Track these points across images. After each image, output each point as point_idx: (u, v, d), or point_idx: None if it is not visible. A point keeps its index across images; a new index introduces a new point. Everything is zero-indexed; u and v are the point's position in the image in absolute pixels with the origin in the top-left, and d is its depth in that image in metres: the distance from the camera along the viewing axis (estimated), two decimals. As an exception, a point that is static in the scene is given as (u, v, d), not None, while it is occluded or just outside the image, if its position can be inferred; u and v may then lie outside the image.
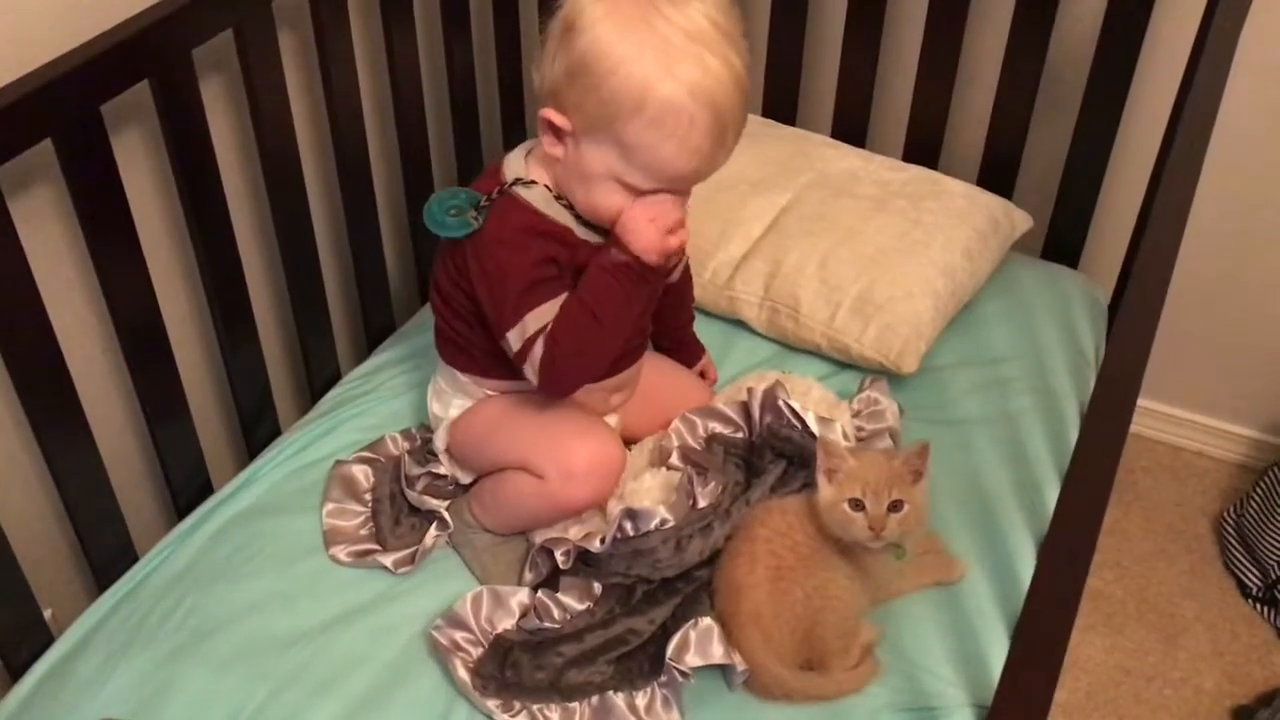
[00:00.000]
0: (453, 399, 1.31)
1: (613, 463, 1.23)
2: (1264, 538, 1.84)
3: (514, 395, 1.28)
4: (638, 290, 1.17)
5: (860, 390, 1.47)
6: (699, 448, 1.33)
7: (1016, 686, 0.72)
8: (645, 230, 1.12)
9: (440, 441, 1.33)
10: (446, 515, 1.30)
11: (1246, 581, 1.87)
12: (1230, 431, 2.06)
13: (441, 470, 1.34)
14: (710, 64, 1.04)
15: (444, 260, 1.22)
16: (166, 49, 1.22)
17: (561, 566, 1.21)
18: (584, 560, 1.23)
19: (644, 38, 1.03)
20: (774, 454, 1.31)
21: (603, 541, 1.20)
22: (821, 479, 1.17)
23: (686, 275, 1.41)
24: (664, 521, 1.20)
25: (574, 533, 1.26)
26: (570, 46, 1.06)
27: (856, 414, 1.42)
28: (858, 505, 1.14)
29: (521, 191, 1.15)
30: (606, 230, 1.16)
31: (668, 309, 1.38)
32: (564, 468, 1.21)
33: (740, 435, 1.35)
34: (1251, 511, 1.88)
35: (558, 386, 1.20)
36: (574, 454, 1.21)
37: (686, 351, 1.46)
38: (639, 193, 1.11)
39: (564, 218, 1.16)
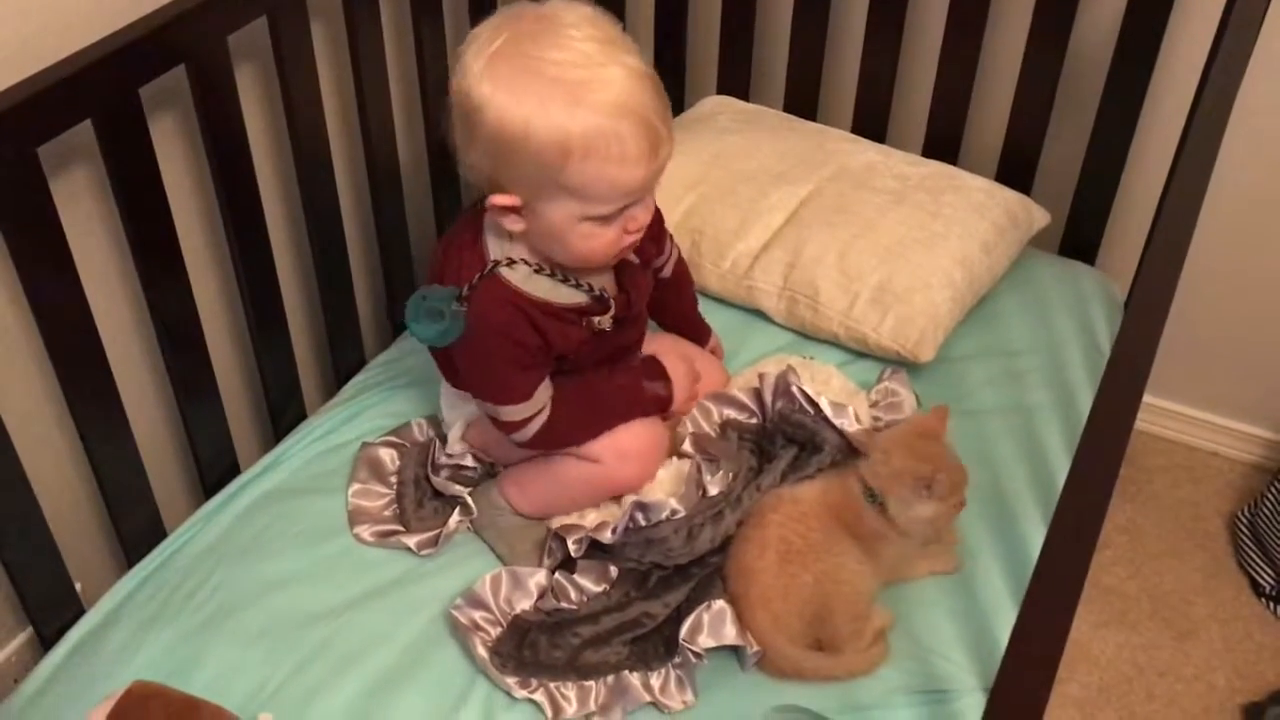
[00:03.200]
0: (467, 406, 1.33)
1: (661, 441, 1.29)
2: (1277, 537, 1.84)
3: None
4: (652, 412, 1.29)
5: (879, 381, 1.48)
6: (713, 434, 1.35)
7: (1018, 667, 0.73)
8: (687, 387, 1.31)
9: (456, 444, 1.35)
10: (470, 501, 1.32)
11: (1259, 580, 1.87)
12: (1245, 432, 2.07)
13: (467, 461, 1.36)
14: (610, 76, 1.03)
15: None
16: (202, 35, 1.25)
17: (574, 554, 1.23)
18: (597, 548, 1.25)
19: (538, 89, 1.03)
20: (785, 439, 1.33)
21: (614, 532, 1.22)
22: (912, 496, 1.18)
23: (680, 266, 1.42)
24: (674, 512, 1.22)
25: (591, 519, 1.28)
26: (479, 131, 1.06)
27: (874, 404, 1.44)
28: (961, 504, 1.20)
29: (504, 272, 1.15)
30: (586, 284, 1.18)
31: (666, 301, 1.40)
32: (617, 449, 1.25)
33: (754, 421, 1.37)
34: (1265, 511, 1.89)
35: (544, 449, 1.27)
36: (624, 436, 1.25)
37: (696, 333, 1.48)
38: (610, 219, 1.10)
39: (544, 291, 1.16)
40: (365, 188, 1.60)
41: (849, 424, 1.29)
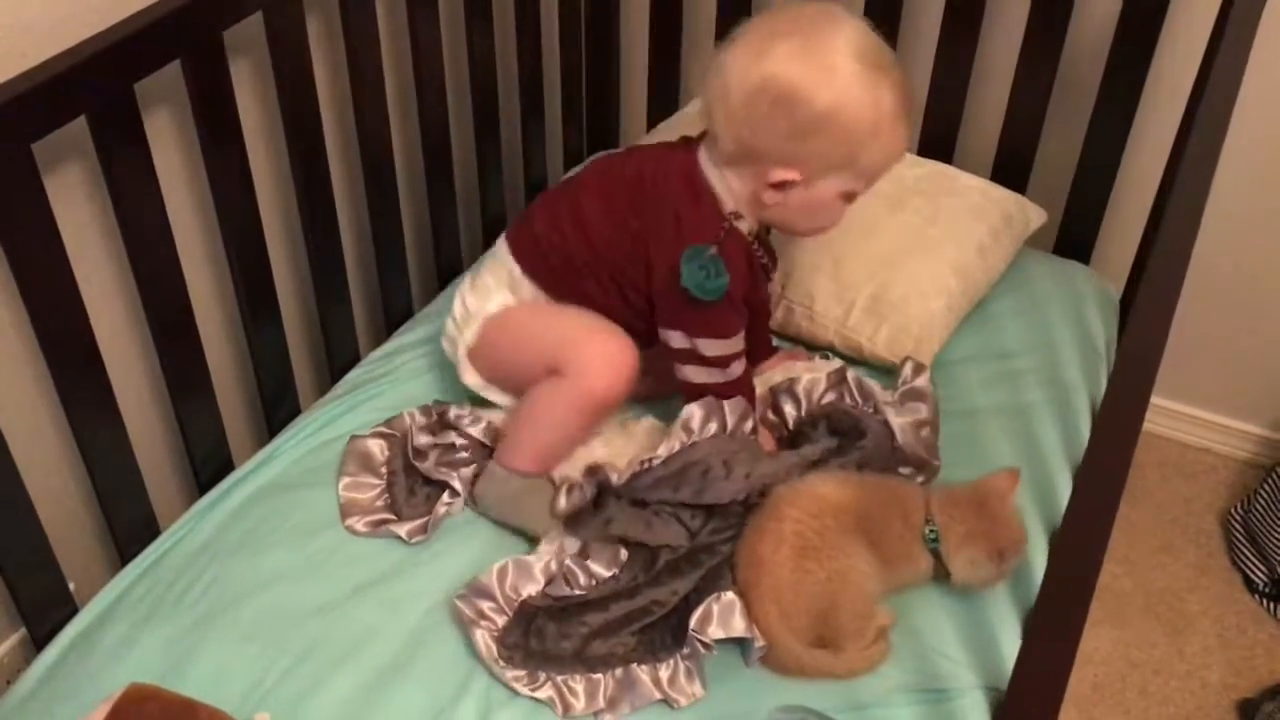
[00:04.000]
0: (493, 294, 1.35)
1: (625, 355, 1.28)
2: (1271, 534, 1.85)
3: (540, 303, 1.33)
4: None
5: (901, 379, 1.47)
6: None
7: (1032, 672, 0.73)
8: None
9: (471, 336, 1.36)
10: (457, 485, 1.32)
11: (1253, 577, 1.88)
12: (1238, 429, 2.07)
13: (451, 439, 1.35)
14: (891, 72, 1.20)
15: (619, 207, 1.28)
16: (197, 29, 1.24)
17: (614, 483, 1.24)
18: (625, 495, 1.25)
19: (848, 70, 1.17)
20: (828, 430, 1.34)
21: (647, 464, 1.24)
22: (985, 560, 1.21)
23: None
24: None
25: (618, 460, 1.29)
26: (789, 112, 1.17)
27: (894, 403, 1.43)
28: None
29: (741, 226, 1.27)
30: (768, 252, 1.35)
31: (757, 323, 1.44)
32: (583, 359, 1.26)
33: (792, 414, 1.40)
34: (1259, 508, 1.89)
35: (692, 396, 1.31)
36: (587, 347, 1.27)
37: (764, 347, 1.51)
38: (855, 198, 1.26)
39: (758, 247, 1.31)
40: (360, 181, 1.59)
41: (900, 423, 1.34)
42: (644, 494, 1.24)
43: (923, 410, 1.40)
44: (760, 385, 1.41)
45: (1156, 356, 0.95)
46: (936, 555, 1.22)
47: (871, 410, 1.37)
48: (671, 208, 1.26)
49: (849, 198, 1.26)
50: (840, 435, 1.33)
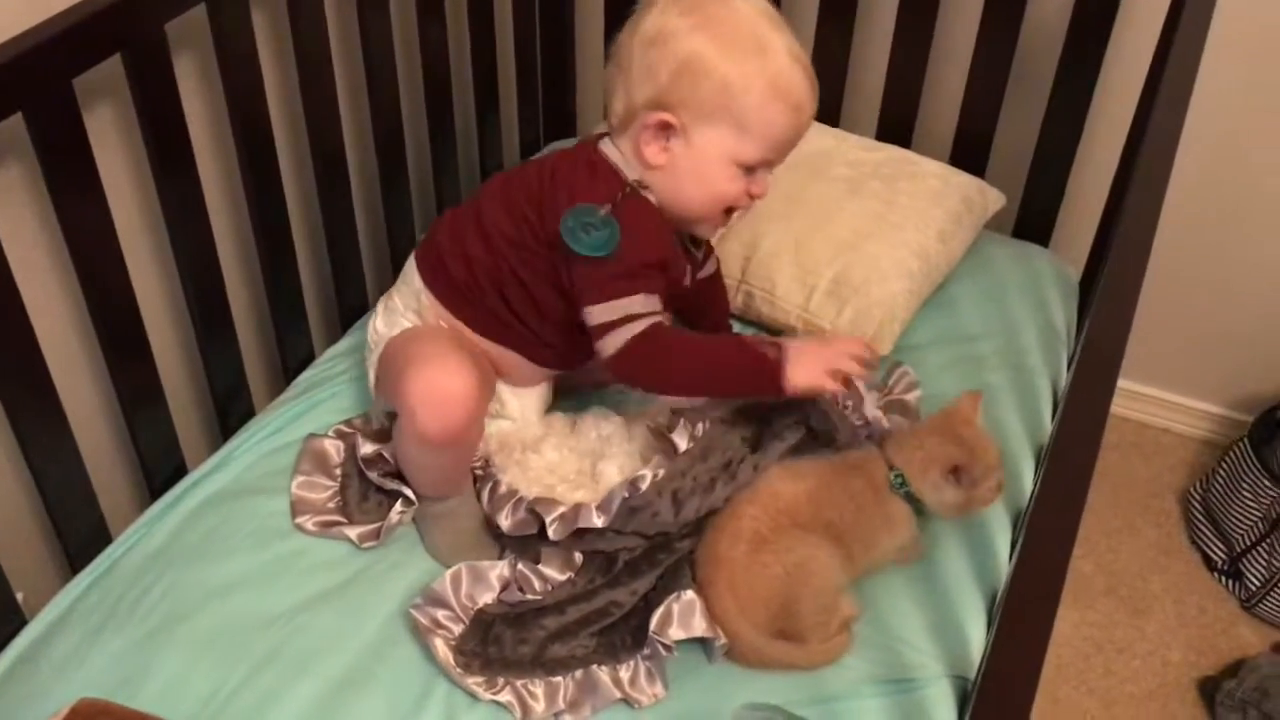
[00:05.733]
0: (399, 318, 1.31)
1: (445, 389, 1.18)
2: (1228, 512, 1.87)
3: (412, 330, 1.29)
4: (748, 385, 1.22)
5: (889, 385, 1.46)
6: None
7: (1005, 657, 0.73)
8: (812, 366, 1.17)
9: (375, 361, 1.33)
10: (409, 493, 1.29)
11: (1212, 555, 1.90)
12: (1196, 408, 2.09)
13: (390, 454, 1.32)
14: (787, 38, 1.18)
15: (519, 206, 1.23)
16: (139, 22, 1.21)
17: (553, 538, 1.20)
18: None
19: (731, 25, 1.15)
20: (796, 421, 1.29)
21: (601, 511, 1.19)
22: (944, 483, 1.19)
23: (718, 273, 1.44)
24: (655, 476, 1.20)
25: (577, 497, 1.25)
26: (660, 52, 1.16)
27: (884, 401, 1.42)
28: (999, 487, 1.21)
29: (646, 195, 1.21)
30: (694, 246, 1.27)
31: (699, 308, 1.40)
32: (404, 399, 1.19)
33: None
34: (1217, 487, 1.91)
35: (626, 373, 1.22)
36: (409, 387, 1.19)
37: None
38: (750, 172, 1.19)
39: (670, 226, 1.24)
40: (311, 176, 1.56)
41: (875, 413, 1.32)
42: (590, 542, 1.22)
43: (910, 403, 1.40)
44: None
45: (1120, 347, 0.95)
46: (913, 499, 1.20)
47: (850, 408, 1.34)
48: (568, 188, 1.20)
49: (745, 167, 1.19)
50: (809, 430, 1.30)
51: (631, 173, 1.21)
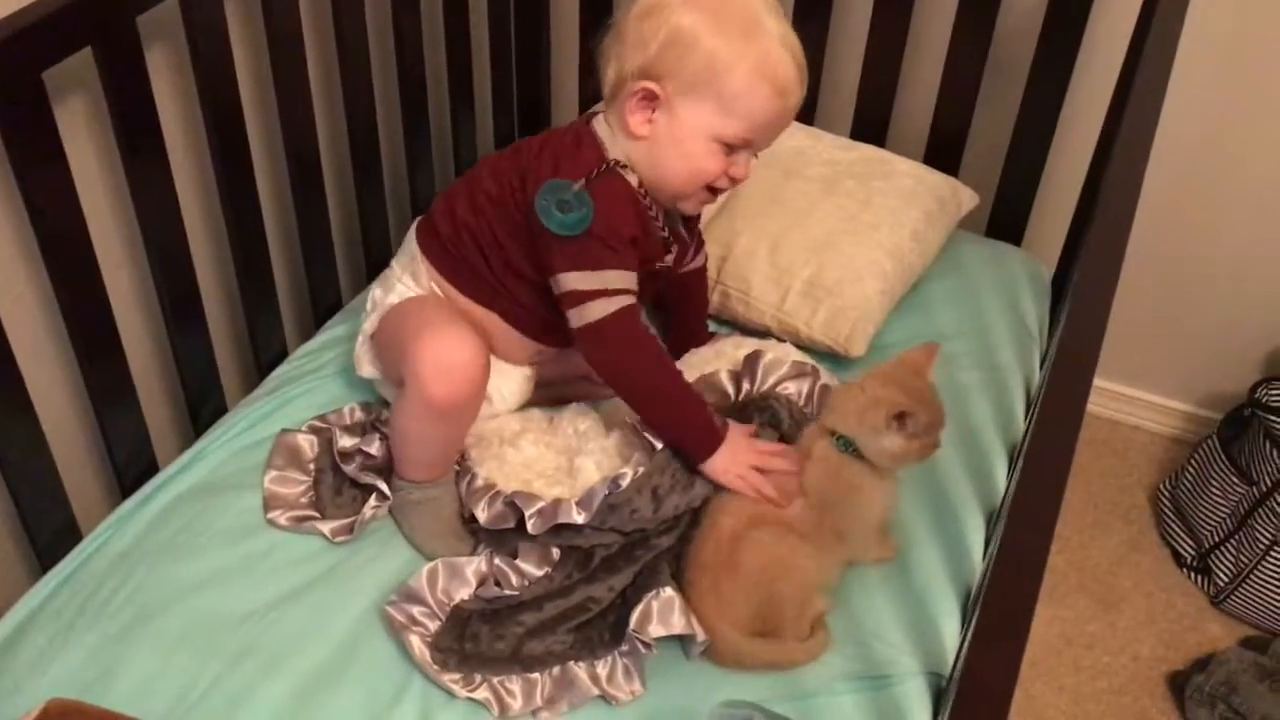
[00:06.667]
0: (396, 284, 1.32)
1: (455, 354, 1.20)
2: (1197, 509, 1.89)
3: (416, 299, 1.29)
4: (682, 432, 1.22)
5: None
6: None
7: (985, 655, 0.73)
8: (738, 461, 1.20)
9: (369, 327, 1.33)
10: (384, 487, 1.29)
11: (1181, 551, 1.92)
12: (1166, 406, 2.11)
13: (372, 450, 1.32)
14: (778, 21, 1.18)
15: (506, 171, 1.24)
16: (109, 15, 1.19)
17: (532, 532, 1.20)
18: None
19: (723, 3, 1.16)
20: (761, 419, 1.30)
21: (581, 507, 1.19)
22: (883, 427, 1.15)
23: (704, 269, 1.45)
24: (635, 473, 1.20)
25: (555, 493, 1.24)
26: (652, 22, 1.16)
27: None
28: (935, 445, 1.19)
29: (624, 173, 1.21)
30: (672, 231, 1.26)
31: (680, 299, 1.42)
32: (413, 368, 1.20)
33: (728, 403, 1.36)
34: (1186, 483, 1.93)
35: (591, 344, 1.22)
36: (419, 352, 1.20)
37: (700, 333, 1.49)
38: (731, 150, 1.19)
39: (650, 207, 1.23)
40: (284, 172, 1.55)
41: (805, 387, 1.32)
42: (568, 538, 1.22)
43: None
44: (710, 366, 1.39)
45: (1095, 347, 0.96)
46: (859, 458, 1.18)
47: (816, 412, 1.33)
48: (552, 157, 1.22)
49: (726, 145, 1.19)
50: (775, 429, 1.30)
51: (616, 149, 1.22)
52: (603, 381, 1.25)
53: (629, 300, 1.20)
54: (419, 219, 1.35)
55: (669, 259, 1.30)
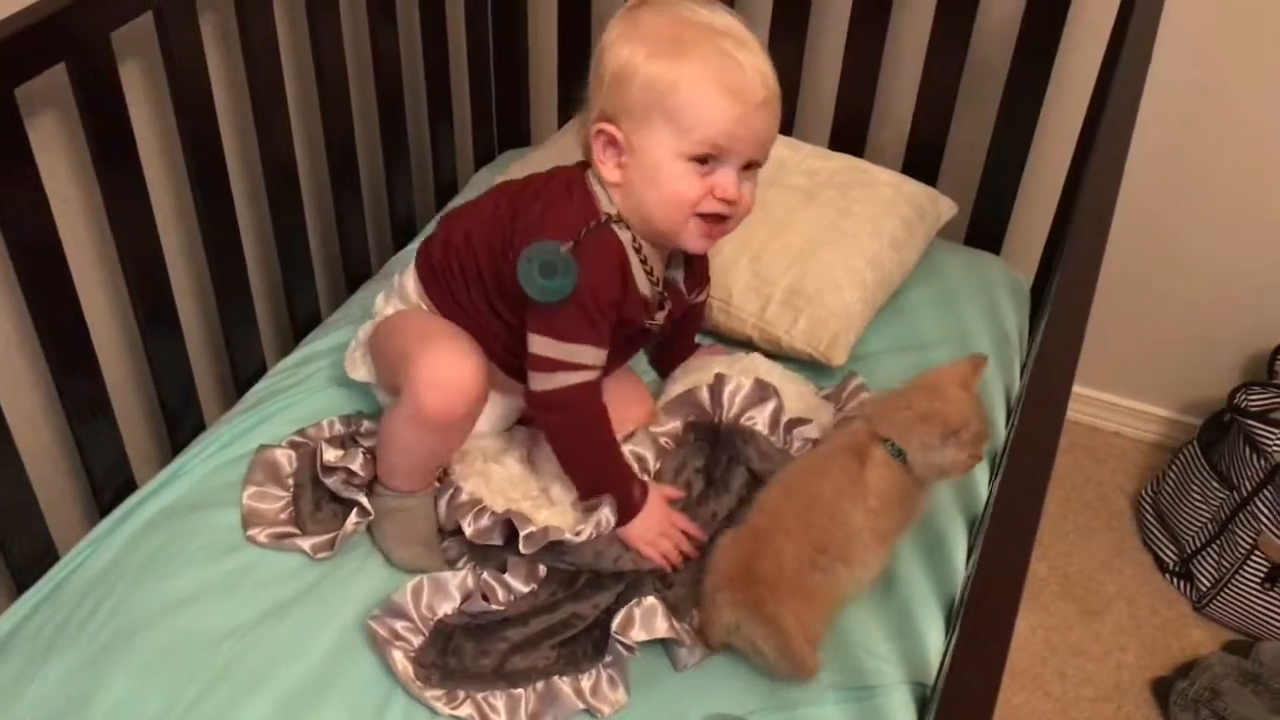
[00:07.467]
0: (394, 297, 1.33)
1: (455, 369, 1.20)
2: (1179, 514, 1.90)
3: (413, 313, 1.30)
4: (599, 497, 1.24)
5: (841, 397, 1.46)
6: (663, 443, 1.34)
7: (968, 663, 0.73)
8: (650, 530, 1.23)
9: (364, 334, 1.34)
10: (366, 502, 1.28)
11: (1163, 557, 1.92)
12: (1146, 412, 2.12)
13: (359, 459, 1.31)
14: (712, 29, 1.14)
15: (502, 208, 1.24)
16: (84, 31, 1.19)
17: (524, 551, 1.20)
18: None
19: (664, 28, 1.14)
20: (730, 460, 1.32)
21: (577, 534, 1.20)
22: (939, 441, 1.17)
23: (701, 304, 1.46)
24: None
25: (543, 516, 1.25)
26: (605, 66, 1.15)
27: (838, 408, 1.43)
28: (979, 458, 1.20)
29: (617, 229, 1.19)
30: (657, 278, 1.23)
31: (683, 330, 1.43)
32: (410, 379, 1.20)
33: (705, 421, 1.36)
34: (1167, 489, 1.94)
35: (542, 409, 1.22)
36: (419, 365, 1.20)
37: (679, 357, 1.48)
38: (702, 164, 1.14)
39: (640, 276, 1.20)
40: (262, 187, 1.54)
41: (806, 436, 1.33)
42: (555, 558, 1.22)
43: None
44: (688, 383, 1.39)
45: (1074, 356, 0.96)
46: (907, 467, 1.19)
47: (781, 443, 1.34)
48: (542, 205, 1.20)
49: (695, 160, 1.14)
50: (754, 475, 1.31)
51: (605, 201, 1.19)
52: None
53: (592, 375, 1.19)
54: (428, 237, 1.33)
55: (660, 317, 1.26)
